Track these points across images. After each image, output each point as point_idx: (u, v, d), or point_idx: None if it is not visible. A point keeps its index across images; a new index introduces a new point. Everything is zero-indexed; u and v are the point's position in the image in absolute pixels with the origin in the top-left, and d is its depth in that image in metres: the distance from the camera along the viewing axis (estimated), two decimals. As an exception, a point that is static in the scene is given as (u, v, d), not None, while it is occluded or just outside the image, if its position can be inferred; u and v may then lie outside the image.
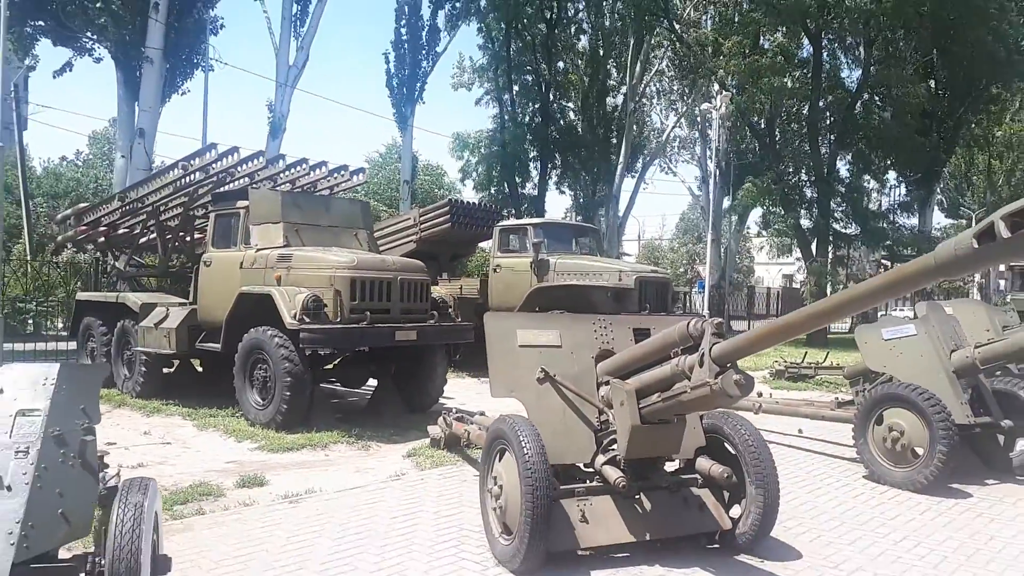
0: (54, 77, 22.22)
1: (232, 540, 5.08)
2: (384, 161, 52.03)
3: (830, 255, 26.67)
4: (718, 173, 41.31)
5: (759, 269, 72.12)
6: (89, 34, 21.64)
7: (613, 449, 4.71)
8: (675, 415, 4.36)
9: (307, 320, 8.37)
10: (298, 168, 11.26)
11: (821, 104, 25.64)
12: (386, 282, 9.03)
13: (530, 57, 31.02)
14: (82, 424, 3.41)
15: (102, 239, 12.88)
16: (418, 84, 26.45)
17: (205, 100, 20.71)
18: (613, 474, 4.53)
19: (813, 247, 25.98)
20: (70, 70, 21.97)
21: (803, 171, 27.49)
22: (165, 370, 10.95)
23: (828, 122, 26.41)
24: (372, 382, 10.66)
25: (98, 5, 20.57)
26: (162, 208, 11.77)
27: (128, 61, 21.03)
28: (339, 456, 7.86)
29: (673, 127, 38.49)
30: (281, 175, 11.14)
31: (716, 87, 34.73)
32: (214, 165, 10.31)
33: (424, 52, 26.33)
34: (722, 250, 41.49)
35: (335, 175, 11.42)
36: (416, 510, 5.90)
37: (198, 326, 10.01)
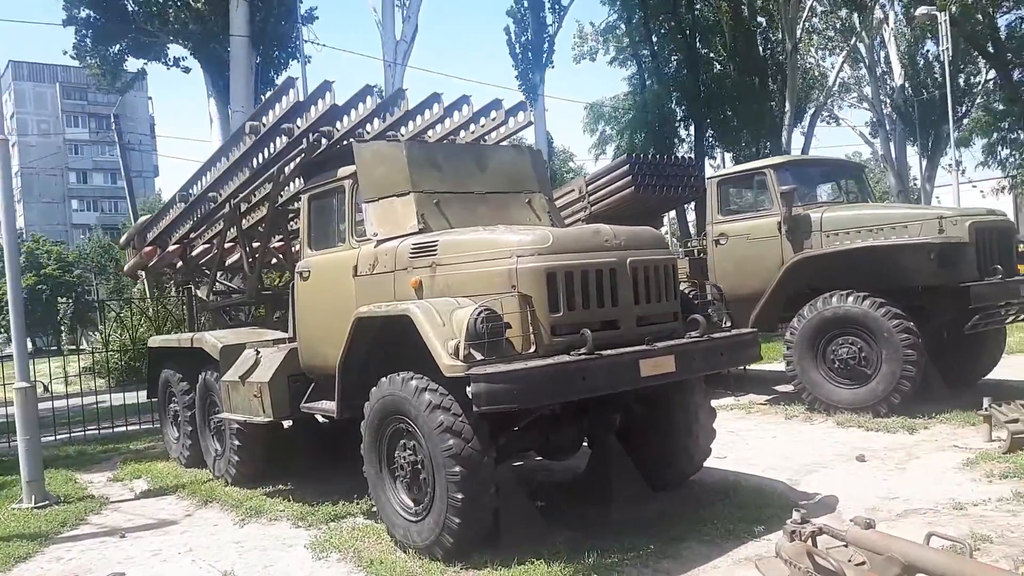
0: (125, 90, 19.72)
1: None
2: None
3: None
4: (896, 116, 35.19)
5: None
6: (171, 38, 18.92)
7: None
8: None
9: (477, 356, 4.40)
10: (424, 116, 7.33)
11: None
12: (608, 271, 4.93)
13: (668, 2, 26.25)
14: None
15: (179, 262, 9.53)
16: (545, 46, 22.39)
17: (305, 91, 17.33)
18: None
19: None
20: (144, 77, 19.40)
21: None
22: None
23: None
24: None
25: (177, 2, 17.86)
26: (242, 207, 8.21)
27: (215, 62, 18.16)
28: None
29: (840, 67, 32.53)
30: (401, 131, 7.26)
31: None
32: (299, 121, 6.56)
33: (550, 6, 22.21)
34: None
35: (484, 119, 7.40)
36: None
37: (302, 375, 6.30)
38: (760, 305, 8.90)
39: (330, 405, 5.61)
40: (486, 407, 4.27)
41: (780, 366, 9.62)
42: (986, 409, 6.78)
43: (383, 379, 4.99)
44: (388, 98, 6.91)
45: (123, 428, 10.74)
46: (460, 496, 4.46)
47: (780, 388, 10.02)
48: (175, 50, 19.93)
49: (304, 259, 6.33)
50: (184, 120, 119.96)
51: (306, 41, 19.50)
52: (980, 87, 26.44)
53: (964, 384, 8.98)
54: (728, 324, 5.72)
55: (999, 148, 24.99)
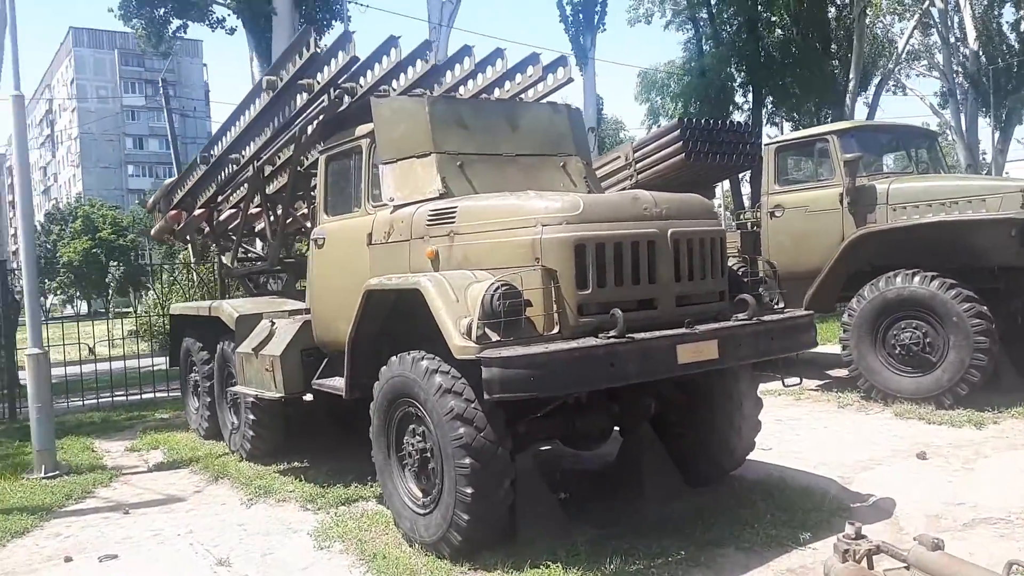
0: (169, 52, 19.59)
1: None
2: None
3: None
4: (968, 84, 33.24)
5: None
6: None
7: None
8: None
9: (493, 337, 3.94)
10: (454, 72, 6.82)
11: None
12: (646, 244, 4.39)
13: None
14: None
15: (206, 226, 9.24)
16: (597, 8, 21.49)
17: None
18: None
19: None
20: (184, 32, 19.20)
21: None
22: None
23: None
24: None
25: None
26: (266, 170, 7.85)
27: (258, 22, 17.84)
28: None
29: (911, 32, 30.76)
30: (434, 87, 6.75)
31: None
32: (319, 77, 6.12)
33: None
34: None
35: (520, 75, 6.82)
36: None
37: (316, 348, 5.93)
38: (817, 283, 8.23)
39: (341, 383, 5.21)
40: (499, 395, 3.81)
41: (835, 348, 8.96)
42: (1068, 406, 6.08)
43: (393, 358, 4.57)
44: (414, 50, 6.39)
45: (151, 395, 10.60)
46: (470, 491, 4.02)
47: (833, 373, 9.36)
48: (220, 12, 19.68)
49: (320, 225, 5.92)
50: (239, 87, 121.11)
51: (350, 1, 19.07)
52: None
53: (1038, 375, 8.21)
54: (781, 305, 5.14)
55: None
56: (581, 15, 21.25)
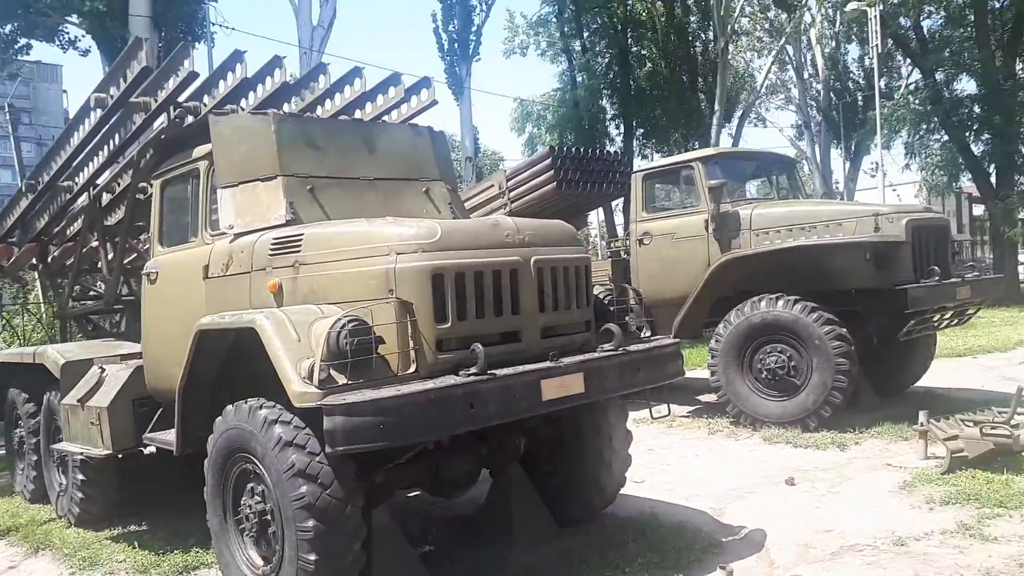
0: (19, 69, 18.16)
1: None
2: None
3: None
4: (820, 117, 35.52)
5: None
6: (64, 15, 17.38)
7: None
8: None
9: (340, 380, 3.55)
10: (310, 89, 6.39)
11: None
12: (509, 272, 4.12)
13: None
14: None
15: (38, 262, 8.33)
16: (472, 37, 21.49)
17: (210, 68, 16.06)
18: None
19: (993, 180, 20.09)
20: (27, 52, 17.85)
21: (964, 81, 21.59)
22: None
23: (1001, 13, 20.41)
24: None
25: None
26: (104, 199, 7.12)
27: (112, 44, 16.72)
28: None
29: (769, 68, 32.54)
30: (284, 108, 6.29)
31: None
32: (156, 93, 5.56)
33: (477, -1, 21.36)
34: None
35: (381, 97, 6.44)
36: None
37: (149, 398, 5.30)
38: (684, 310, 8.25)
39: (170, 437, 4.64)
40: (344, 447, 3.40)
41: (704, 373, 9.03)
42: (922, 424, 6.25)
43: (228, 407, 4.07)
44: (263, 67, 5.91)
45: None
46: (313, 557, 3.57)
47: (703, 398, 9.42)
48: (74, 32, 18.40)
49: (153, 258, 5.34)
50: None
51: (214, 24, 18.24)
52: (903, 89, 26.84)
53: (892, 393, 8.52)
54: (647, 333, 4.99)
55: (918, 150, 25.21)
56: (457, 44, 21.20)
